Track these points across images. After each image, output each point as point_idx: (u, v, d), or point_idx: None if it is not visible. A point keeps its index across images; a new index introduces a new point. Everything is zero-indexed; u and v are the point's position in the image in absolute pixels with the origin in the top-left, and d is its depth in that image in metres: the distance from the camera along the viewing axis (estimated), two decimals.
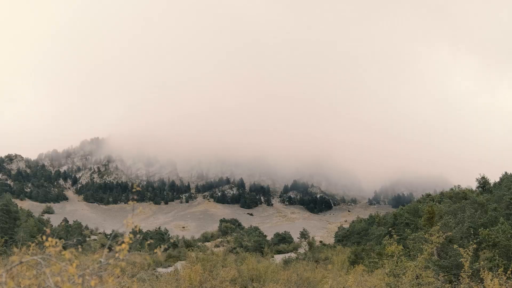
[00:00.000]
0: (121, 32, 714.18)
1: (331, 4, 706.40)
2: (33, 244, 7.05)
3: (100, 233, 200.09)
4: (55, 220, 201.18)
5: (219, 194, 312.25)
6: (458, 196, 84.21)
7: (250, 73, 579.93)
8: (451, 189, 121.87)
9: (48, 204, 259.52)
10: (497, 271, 25.46)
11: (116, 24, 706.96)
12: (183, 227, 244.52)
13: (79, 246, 6.85)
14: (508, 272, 25.96)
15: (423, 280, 27.49)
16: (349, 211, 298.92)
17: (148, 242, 8.12)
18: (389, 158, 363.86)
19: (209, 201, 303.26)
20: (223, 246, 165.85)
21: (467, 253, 26.54)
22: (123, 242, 6.41)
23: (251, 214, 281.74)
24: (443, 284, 32.41)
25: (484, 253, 44.87)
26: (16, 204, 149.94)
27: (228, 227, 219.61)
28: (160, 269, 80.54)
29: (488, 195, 79.32)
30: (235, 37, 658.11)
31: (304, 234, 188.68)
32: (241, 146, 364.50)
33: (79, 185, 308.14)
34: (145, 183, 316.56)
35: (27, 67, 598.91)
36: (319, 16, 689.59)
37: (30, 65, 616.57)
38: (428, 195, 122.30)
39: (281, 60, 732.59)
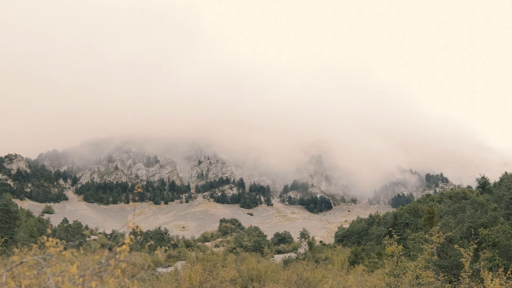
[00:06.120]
0: (121, 32, 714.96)
1: None
2: (35, 246, 7.04)
3: (100, 233, 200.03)
4: (55, 220, 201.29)
5: (219, 194, 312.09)
6: (458, 196, 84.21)
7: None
8: (451, 189, 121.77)
9: (48, 204, 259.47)
10: (497, 271, 25.46)
11: (116, 24, 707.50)
12: (183, 227, 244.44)
13: (80, 247, 6.83)
14: (508, 272, 25.97)
15: (423, 280, 27.49)
16: (349, 211, 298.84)
17: (149, 243, 8.11)
18: (389, 158, 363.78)
19: (209, 201, 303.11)
20: (223, 246, 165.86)
21: (468, 253, 26.56)
22: (123, 243, 6.41)
23: (251, 214, 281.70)
24: (443, 284, 32.41)
25: (484, 253, 44.90)
26: (16, 204, 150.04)
27: (228, 227, 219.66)
28: (160, 269, 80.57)
29: (488, 195, 79.35)
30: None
31: (304, 234, 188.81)
32: (241, 146, 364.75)
33: (79, 185, 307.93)
34: (145, 183, 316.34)
35: (27, 67, 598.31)
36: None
37: (30, 64, 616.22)
38: (428, 195, 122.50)
39: (278, 60, 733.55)
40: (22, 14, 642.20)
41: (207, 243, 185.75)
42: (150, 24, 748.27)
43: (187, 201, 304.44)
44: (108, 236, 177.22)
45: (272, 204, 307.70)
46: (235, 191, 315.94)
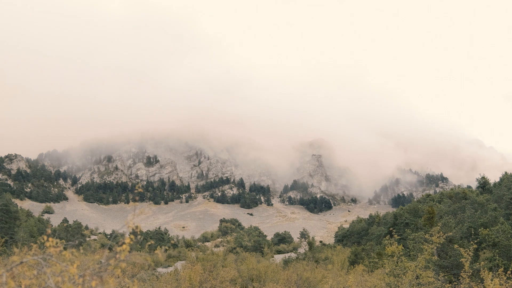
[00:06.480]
0: (121, 32, 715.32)
1: None
2: (35, 246, 7.04)
3: (100, 233, 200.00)
4: (55, 220, 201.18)
5: (219, 194, 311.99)
6: (458, 196, 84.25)
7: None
8: (451, 189, 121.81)
9: (48, 204, 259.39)
10: (497, 271, 25.46)
11: (116, 24, 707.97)
12: (183, 227, 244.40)
13: (80, 247, 6.81)
14: (508, 272, 25.96)
15: (423, 280, 27.48)
16: (349, 211, 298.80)
17: (149, 243, 8.11)
18: (389, 158, 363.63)
19: (209, 201, 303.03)
20: (223, 246, 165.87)
21: (468, 253, 26.56)
22: (123, 243, 6.41)
23: (251, 214, 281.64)
24: (443, 284, 32.42)
25: (484, 253, 44.91)
26: (16, 204, 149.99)
27: (228, 227, 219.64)
28: (160, 269, 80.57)
29: (488, 195, 79.38)
30: None
31: (304, 234, 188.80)
32: (241, 146, 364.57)
33: (79, 185, 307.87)
34: (145, 183, 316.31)
35: (28, 67, 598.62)
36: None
37: (31, 64, 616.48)
38: (428, 195, 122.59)
39: (278, 61, 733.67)
40: (25, 27, 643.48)
41: (207, 243, 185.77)
42: (150, 30, 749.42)
43: (187, 201, 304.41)
44: (108, 236, 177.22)
45: (272, 204, 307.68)
46: (235, 191, 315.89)
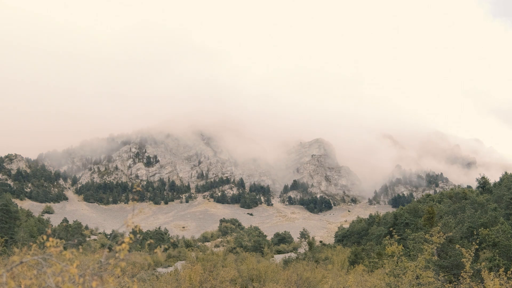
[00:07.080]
0: (121, 32, 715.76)
1: None
2: (35, 245, 7.04)
3: (100, 233, 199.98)
4: (55, 220, 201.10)
5: (219, 194, 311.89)
6: (458, 196, 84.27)
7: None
8: (451, 189, 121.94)
9: (48, 204, 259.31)
10: (498, 271, 25.45)
11: (116, 25, 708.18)
12: (183, 227, 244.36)
13: (80, 246, 6.81)
14: (509, 272, 25.94)
15: (423, 280, 27.48)
16: (349, 211, 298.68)
17: (148, 242, 8.10)
18: (389, 158, 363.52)
19: (209, 201, 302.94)
20: (223, 246, 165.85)
21: (469, 253, 26.54)
22: (123, 242, 6.41)
23: (251, 214, 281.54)
24: (443, 284, 32.41)
25: (484, 253, 44.90)
26: (16, 204, 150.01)
27: (228, 227, 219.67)
28: (160, 269, 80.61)
29: (488, 195, 79.40)
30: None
31: (304, 234, 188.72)
32: (241, 146, 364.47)
33: (79, 185, 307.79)
34: (145, 183, 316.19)
35: (28, 67, 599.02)
36: None
37: (30, 65, 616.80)
38: (428, 195, 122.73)
39: (278, 61, 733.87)
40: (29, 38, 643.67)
41: (207, 243, 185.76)
42: (154, 31, 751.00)
43: (187, 201, 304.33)
44: (108, 236, 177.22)
45: (272, 204, 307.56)
46: (235, 191, 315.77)
